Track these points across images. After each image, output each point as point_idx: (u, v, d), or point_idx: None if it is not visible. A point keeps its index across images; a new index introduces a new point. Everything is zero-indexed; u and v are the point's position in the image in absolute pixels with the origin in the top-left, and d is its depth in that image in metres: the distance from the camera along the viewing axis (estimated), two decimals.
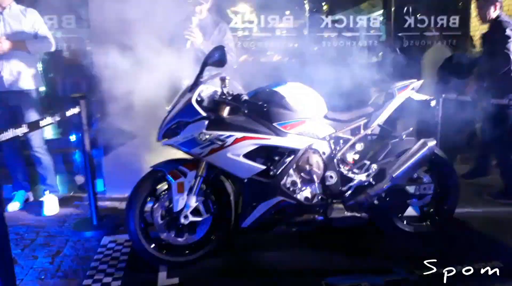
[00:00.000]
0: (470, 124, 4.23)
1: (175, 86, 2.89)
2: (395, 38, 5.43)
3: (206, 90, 2.21)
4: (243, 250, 2.39)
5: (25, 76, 3.04)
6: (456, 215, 2.59)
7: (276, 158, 2.23)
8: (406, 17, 5.40)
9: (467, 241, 2.49)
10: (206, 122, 2.12)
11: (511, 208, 2.98)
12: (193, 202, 2.16)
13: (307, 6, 5.55)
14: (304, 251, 2.37)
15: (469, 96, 3.39)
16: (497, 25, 3.07)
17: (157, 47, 2.75)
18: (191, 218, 2.16)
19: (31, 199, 3.35)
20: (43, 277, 2.18)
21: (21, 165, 3.26)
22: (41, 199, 3.15)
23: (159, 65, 2.71)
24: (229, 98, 2.14)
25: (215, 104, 2.17)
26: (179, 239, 2.21)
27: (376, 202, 2.34)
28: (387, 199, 2.40)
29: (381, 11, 5.58)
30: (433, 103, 2.82)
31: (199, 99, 2.16)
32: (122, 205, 3.08)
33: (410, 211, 2.59)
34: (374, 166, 2.36)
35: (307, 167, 2.27)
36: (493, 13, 3.10)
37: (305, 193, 2.29)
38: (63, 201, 3.24)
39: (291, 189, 2.24)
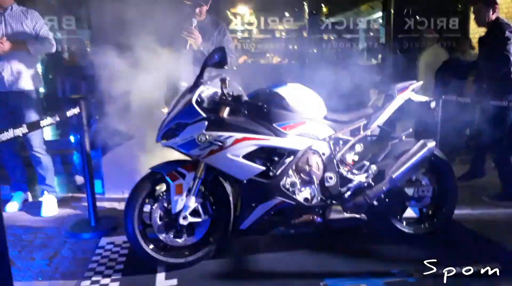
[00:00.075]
0: (469, 125, 4.24)
1: (174, 88, 2.89)
2: (395, 40, 5.43)
3: (206, 91, 2.21)
4: (242, 252, 2.38)
5: (25, 76, 3.04)
6: (454, 216, 2.59)
7: (276, 159, 2.23)
8: (406, 19, 5.41)
9: (466, 242, 2.49)
10: (206, 123, 2.11)
11: (509, 210, 2.98)
12: (192, 204, 2.15)
13: (307, 8, 5.56)
14: (303, 252, 2.36)
15: (469, 98, 3.39)
16: (496, 27, 3.07)
17: (157, 48, 2.76)
18: (190, 220, 2.15)
19: (30, 199, 3.35)
20: (40, 278, 2.17)
21: (19, 165, 3.25)
22: (39, 200, 3.15)
23: (159, 66, 2.72)
24: (229, 99, 2.14)
25: (215, 105, 2.17)
26: (178, 240, 2.20)
27: (375, 203, 2.34)
28: (386, 200, 2.39)
29: (380, 13, 5.59)
30: (433, 105, 2.82)
31: (199, 100, 2.16)
32: (121, 206, 3.07)
33: (409, 213, 2.59)
34: (374, 167, 2.36)
35: (307, 168, 2.26)
36: (492, 15, 3.11)
37: (304, 194, 2.28)
38: (61, 202, 3.24)
39: (290, 190, 2.24)
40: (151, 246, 2.18)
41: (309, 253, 2.36)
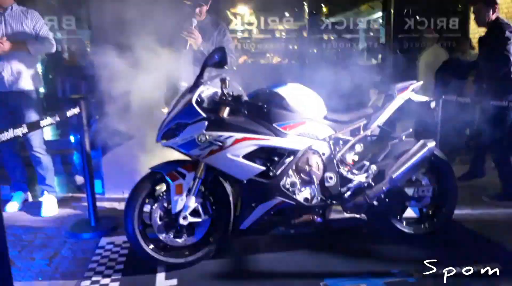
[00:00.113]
0: (469, 126, 4.24)
1: (174, 88, 2.89)
2: (395, 40, 5.43)
3: (206, 91, 2.21)
4: (242, 252, 2.37)
5: (25, 76, 3.04)
6: (454, 216, 2.59)
7: (276, 159, 2.23)
8: (406, 19, 5.41)
9: (466, 242, 2.49)
10: (206, 123, 2.11)
11: (509, 210, 2.98)
12: (192, 204, 2.15)
13: (307, 8, 5.56)
14: (303, 252, 2.36)
15: (469, 98, 3.39)
16: (496, 27, 3.07)
17: (157, 48, 2.76)
18: (190, 220, 2.15)
19: (30, 199, 3.35)
20: (40, 278, 2.17)
21: (19, 165, 3.25)
22: (39, 200, 3.15)
23: (159, 66, 2.72)
24: (229, 99, 2.14)
25: (215, 105, 2.17)
26: (178, 240, 2.20)
27: (375, 203, 2.34)
28: (386, 200, 2.39)
29: (380, 13, 5.59)
30: (433, 105, 2.82)
31: (199, 100, 2.16)
32: (121, 206, 3.07)
33: (409, 213, 2.59)
34: (374, 167, 2.36)
35: (307, 168, 2.26)
36: (492, 15, 3.11)
37: (304, 194, 2.28)
38: (61, 202, 3.23)
39: (290, 190, 2.24)
40: (151, 246, 2.18)
41: (309, 253, 2.36)
